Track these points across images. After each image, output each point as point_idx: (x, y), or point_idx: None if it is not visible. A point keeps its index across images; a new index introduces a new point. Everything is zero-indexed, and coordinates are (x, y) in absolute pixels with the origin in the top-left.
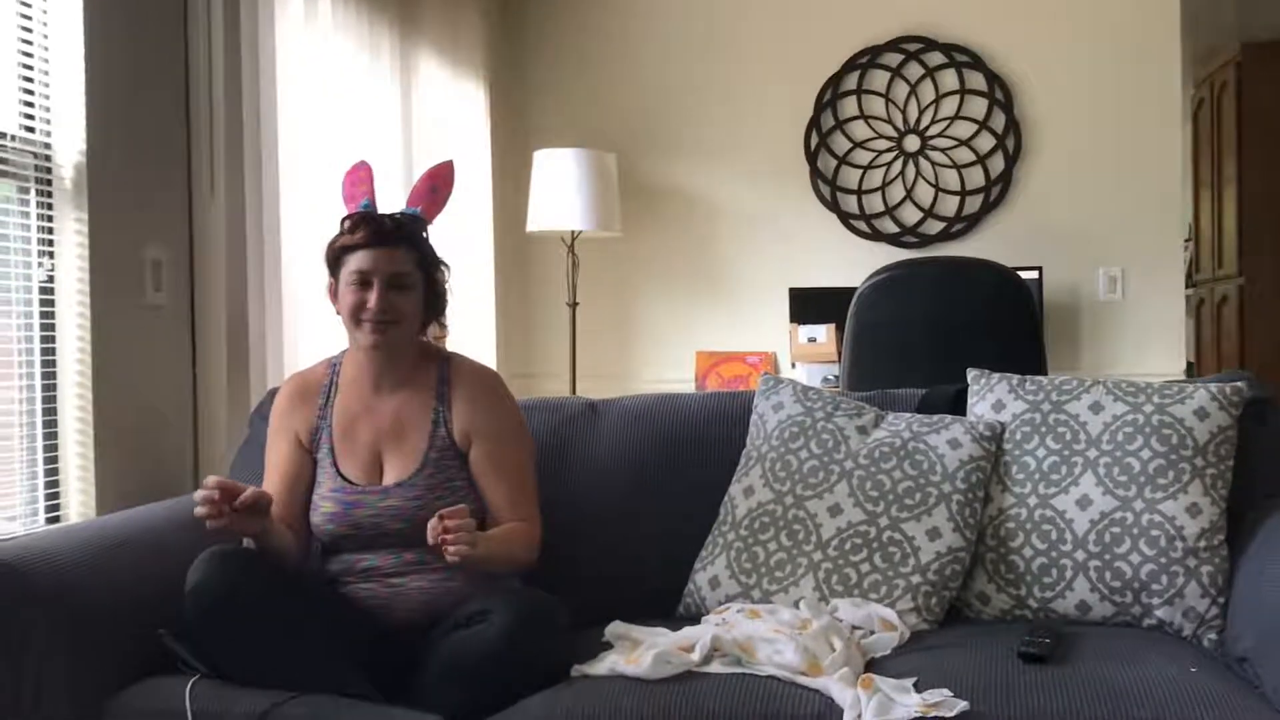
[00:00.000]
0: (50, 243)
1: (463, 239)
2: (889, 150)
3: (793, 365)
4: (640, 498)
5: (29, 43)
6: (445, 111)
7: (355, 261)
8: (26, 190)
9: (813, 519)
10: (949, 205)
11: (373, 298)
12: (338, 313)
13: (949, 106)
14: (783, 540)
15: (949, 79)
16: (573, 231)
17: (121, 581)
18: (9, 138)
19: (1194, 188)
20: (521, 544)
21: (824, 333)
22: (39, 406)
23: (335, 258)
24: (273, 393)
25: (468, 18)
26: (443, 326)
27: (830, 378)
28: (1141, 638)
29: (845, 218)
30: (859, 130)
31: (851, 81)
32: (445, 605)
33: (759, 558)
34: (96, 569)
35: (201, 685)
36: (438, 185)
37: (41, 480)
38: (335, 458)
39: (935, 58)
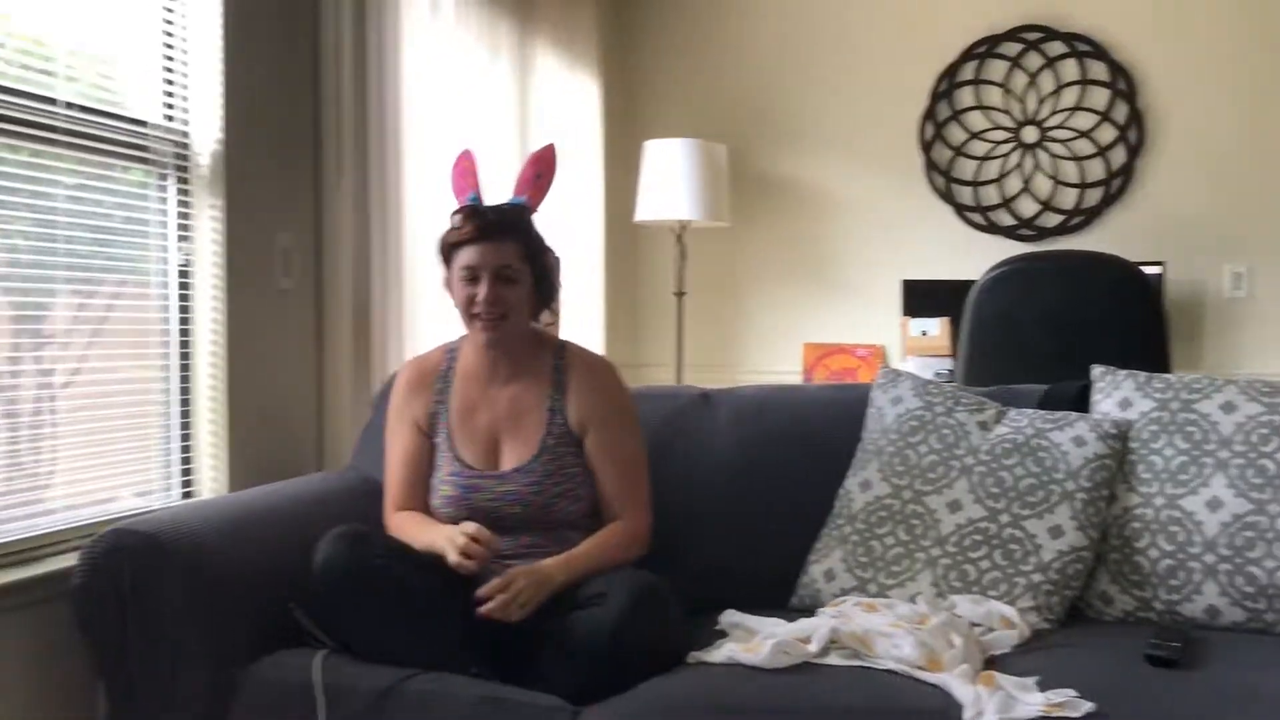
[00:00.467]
0: (187, 229)
1: (573, 229)
2: (1006, 141)
3: (904, 358)
4: (751, 488)
5: (170, 34)
6: (559, 103)
7: (463, 257)
8: (165, 177)
9: (931, 514)
10: (1067, 198)
11: (481, 291)
12: (455, 305)
13: (1069, 97)
14: (900, 535)
15: (1069, 69)
16: (681, 221)
17: (253, 555)
18: (150, 125)
19: None
20: (620, 546)
21: (937, 326)
22: (175, 386)
23: (446, 252)
24: (394, 377)
25: (583, 12)
26: (554, 313)
27: (943, 371)
28: (1275, 646)
29: (960, 209)
30: (975, 121)
31: (968, 71)
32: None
33: (876, 552)
34: (230, 543)
35: (330, 659)
36: (541, 171)
37: (177, 457)
38: (453, 443)
39: (1056, 47)
